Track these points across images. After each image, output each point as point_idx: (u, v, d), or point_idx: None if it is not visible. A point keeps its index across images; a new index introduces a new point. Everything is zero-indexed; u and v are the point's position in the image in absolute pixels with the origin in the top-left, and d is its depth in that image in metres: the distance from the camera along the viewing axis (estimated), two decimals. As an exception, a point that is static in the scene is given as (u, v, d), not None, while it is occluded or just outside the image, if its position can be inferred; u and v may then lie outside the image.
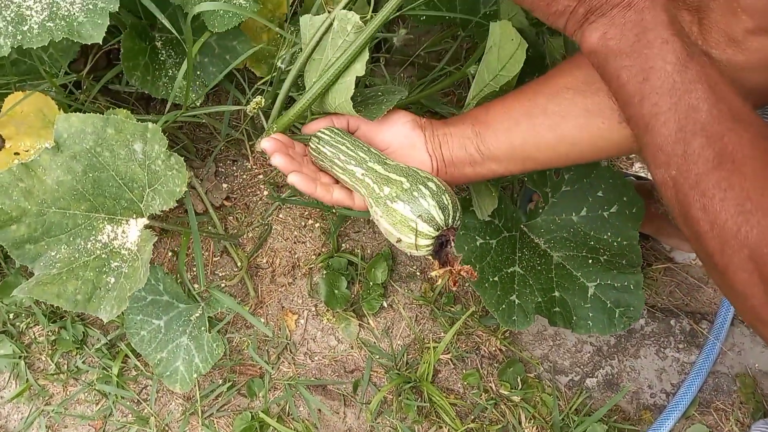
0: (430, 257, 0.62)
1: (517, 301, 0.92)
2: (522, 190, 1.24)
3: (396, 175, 0.65)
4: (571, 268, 0.97)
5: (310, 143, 0.74)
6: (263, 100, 0.83)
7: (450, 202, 0.62)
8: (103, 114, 1.03)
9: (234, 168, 1.28)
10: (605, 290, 0.96)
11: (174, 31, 0.98)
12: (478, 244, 0.92)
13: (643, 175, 1.27)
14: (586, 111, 0.65)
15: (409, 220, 0.61)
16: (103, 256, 0.85)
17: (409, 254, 0.61)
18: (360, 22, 0.70)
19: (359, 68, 0.70)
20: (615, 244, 0.99)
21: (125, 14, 1.05)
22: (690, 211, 0.50)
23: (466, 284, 1.19)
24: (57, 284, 0.80)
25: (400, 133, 0.73)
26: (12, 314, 1.05)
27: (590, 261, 0.97)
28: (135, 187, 0.86)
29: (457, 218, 0.62)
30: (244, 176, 1.28)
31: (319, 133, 0.74)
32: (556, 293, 0.95)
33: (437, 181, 0.64)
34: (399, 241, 0.63)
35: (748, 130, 0.49)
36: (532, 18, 0.95)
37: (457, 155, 0.72)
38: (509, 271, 0.94)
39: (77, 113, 0.83)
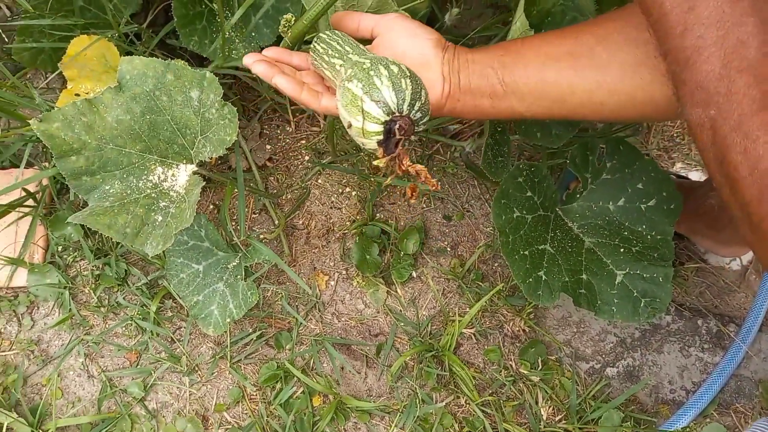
0: (375, 145, 0.54)
1: (544, 277, 0.93)
2: (562, 173, 1.24)
3: (363, 59, 0.59)
4: (602, 255, 0.98)
5: (311, 44, 0.73)
6: (292, 17, 0.83)
7: (409, 87, 0.55)
8: (161, 64, 1.08)
9: (278, 131, 1.32)
10: (633, 279, 0.96)
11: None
12: (514, 216, 0.93)
13: (683, 174, 1.26)
14: (634, 59, 0.60)
15: (358, 99, 0.55)
16: (153, 195, 0.89)
17: (363, 149, 0.55)
18: None
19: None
20: (649, 236, 0.99)
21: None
22: (728, 154, 0.46)
23: (496, 264, 1.20)
24: (109, 216, 0.84)
25: (417, 47, 0.68)
26: (61, 247, 1.11)
27: (622, 250, 0.98)
28: (188, 133, 0.89)
29: (416, 108, 0.55)
30: (287, 140, 1.31)
31: (320, 34, 0.72)
32: (584, 276, 0.96)
33: (403, 67, 0.57)
34: (350, 126, 0.57)
35: None
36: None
37: (477, 83, 0.67)
38: (540, 248, 0.95)
39: (141, 57, 0.87)
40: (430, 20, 1.30)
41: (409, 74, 0.56)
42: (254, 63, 0.69)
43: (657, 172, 1.00)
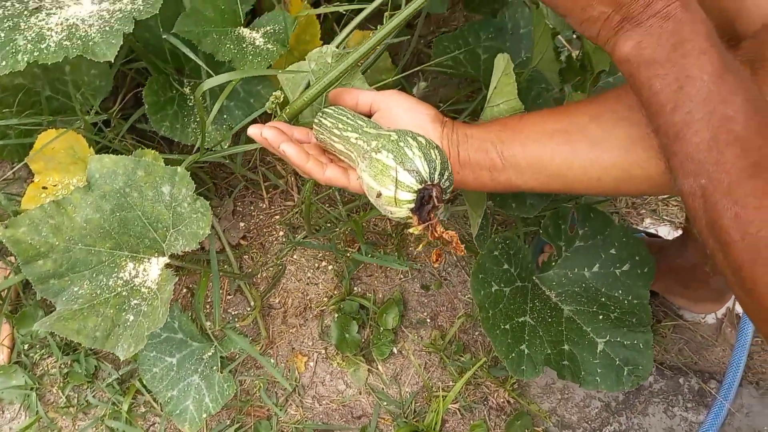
0: (410, 214, 0.56)
1: (526, 351, 0.93)
2: (534, 240, 1.26)
3: (386, 131, 0.61)
4: (582, 323, 0.98)
5: (315, 119, 0.74)
6: (282, 94, 0.84)
7: (439, 158, 0.57)
8: (130, 153, 1.07)
9: (251, 208, 1.31)
10: (614, 347, 0.96)
11: (206, 74, 1.02)
12: (492, 290, 0.93)
13: (653, 231, 1.29)
14: (628, 137, 0.63)
15: (390, 169, 0.56)
16: (124, 293, 0.87)
17: (390, 217, 0.57)
18: (337, 50, 0.77)
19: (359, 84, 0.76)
20: (626, 302, 1.00)
21: (153, 56, 1.09)
22: (720, 220, 0.48)
23: (476, 333, 1.20)
24: (78, 320, 0.82)
25: (416, 122, 0.71)
26: (27, 345, 1.06)
27: (600, 317, 0.98)
28: (159, 227, 0.88)
29: (445, 177, 0.57)
30: (261, 216, 1.31)
31: (324, 109, 0.74)
32: (566, 346, 0.96)
33: (429, 138, 0.59)
34: (379, 195, 0.57)
35: None
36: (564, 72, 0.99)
37: (476, 158, 0.69)
38: (520, 320, 0.95)
39: (110, 155, 0.86)
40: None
41: (435, 145, 0.58)
42: (264, 129, 0.69)
43: (628, 237, 1.01)
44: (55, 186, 1.03)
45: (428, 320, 1.20)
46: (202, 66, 1.00)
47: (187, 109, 1.12)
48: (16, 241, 0.80)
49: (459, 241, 0.56)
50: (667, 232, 1.31)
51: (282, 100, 0.79)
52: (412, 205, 0.55)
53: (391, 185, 0.55)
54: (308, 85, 0.79)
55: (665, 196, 1.36)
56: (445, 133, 0.71)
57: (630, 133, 0.62)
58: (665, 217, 1.35)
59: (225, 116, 1.13)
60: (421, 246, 0.57)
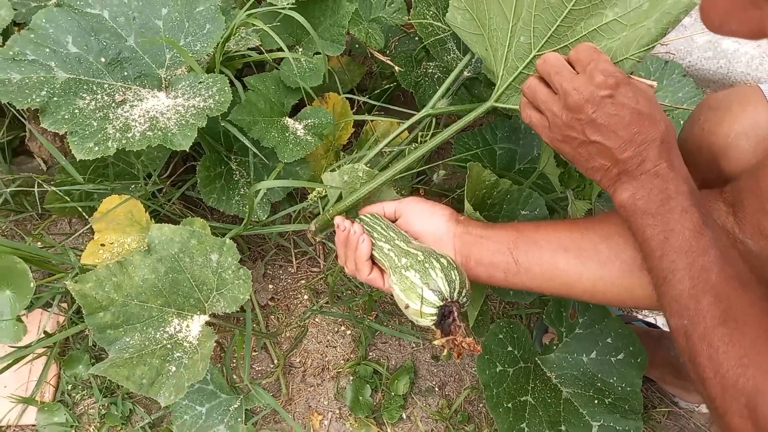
0: (433, 327, 0.66)
1: (526, 429, 1.01)
2: (538, 323, 1.35)
3: (414, 250, 0.73)
4: (578, 405, 1.06)
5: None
6: (321, 191, 0.99)
7: (458, 278, 0.68)
8: (178, 216, 1.20)
9: (280, 272, 1.43)
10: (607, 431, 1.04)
11: (253, 155, 1.16)
12: (497, 370, 1.02)
13: (651, 321, 1.38)
14: (632, 260, 0.70)
15: (416, 287, 0.67)
16: (168, 345, 0.97)
17: (416, 323, 0.70)
18: (368, 169, 0.91)
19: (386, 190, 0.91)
20: (620, 388, 1.08)
21: (207, 137, 1.23)
22: (697, 358, 0.57)
23: (481, 405, 1.28)
24: (128, 367, 0.92)
25: (435, 226, 0.80)
26: (71, 385, 1.17)
27: (596, 401, 1.06)
28: (204, 289, 0.99)
29: (463, 294, 0.67)
30: (289, 280, 1.42)
31: (361, 216, 0.87)
32: (563, 427, 1.04)
33: (450, 259, 0.70)
34: (407, 307, 0.69)
35: (750, 291, 0.58)
36: (564, 179, 1.12)
37: (491, 259, 0.76)
38: (522, 399, 1.04)
39: (169, 225, 0.99)
40: (421, 174, 1.46)
41: (455, 266, 0.69)
42: (354, 225, 0.82)
43: (624, 328, 1.11)
44: (111, 244, 1.15)
45: (436, 389, 1.28)
46: (251, 148, 1.14)
47: (233, 183, 1.25)
48: (83, 295, 0.92)
49: (476, 345, 0.65)
50: (664, 323, 1.39)
51: (323, 195, 0.92)
52: (435, 319, 0.66)
53: (417, 300, 0.67)
54: (340, 196, 0.92)
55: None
56: (458, 233, 0.80)
57: (635, 257, 0.70)
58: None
59: (266, 191, 1.26)
60: (445, 352, 0.66)
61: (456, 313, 0.66)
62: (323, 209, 0.96)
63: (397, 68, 1.26)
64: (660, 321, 1.40)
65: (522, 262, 0.75)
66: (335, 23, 1.23)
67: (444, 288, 0.67)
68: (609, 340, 1.10)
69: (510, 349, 1.06)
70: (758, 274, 0.62)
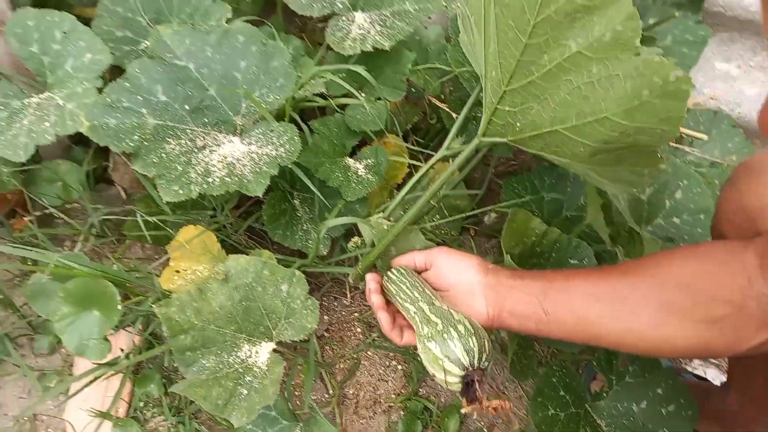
0: (459, 396, 0.70)
1: (576, 473, 1.03)
2: (587, 367, 1.37)
3: (435, 317, 0.74)
4: (628, 454, 1.08)
5: (382, 280, 0.92)
6: (360, 240, 1.06)
7: (476, 345, 0.69)
8: (243, 246, 1.27)
9: (335, 303, 1.49)
10: (658, 482, 1.05)
11: (315, 196, 1.24)
12: (549, 414, 1.06)
13: (701, 374, 1.39)
14: (662, 306, 0.70)
15: (439, 359, 0.69)
16: (240, 370, 1.04)
17: (445, 387, 0.74)
18: (387, 221, 0.99)
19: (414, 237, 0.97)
20: (670, 440, 1.10)
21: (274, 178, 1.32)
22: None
23: (527, 447, 1.30)
24: (205, 388, 0.99)
25: (465, 278, 0.82)
26: (143, 403, 1.25)
27: (646, 451, 1.08)
28: (273, 317, 1.06)
29: (483, 360, 0.69)
30: (343, 312, 1.48)
31: (389, 273, 0.91)
32: (612, 474, 1.06)
33: (467, 324, 0.71)
34: (434, 376, 0.71)
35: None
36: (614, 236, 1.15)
37: (521, 310, 0.78)
38: (572, 444, 1.06)
39: (244, 256, 1.07)
40: (472, 217, 1.52)
41: (473, 331, 0.71)
42: (373, 294, 0.89)
43: (674, 379, 1.12)
44: (185, 271, 1.24)
45: (485, 430, 1.31)
46: (315, 191, 1.22)
47: (296, 219, 1.32)
48: (168, 318, 1.00)
49: (508, 406, 0.67)
50: (715, 376, 1.40)
51: (359, 244, 0.99)
52: (459, 386, 0.69)
53: (441, 371, 0.70)
54: (373, 245, 0.99)
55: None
56: (489, 283, 0.81)
57: (658, 310, 0.71)
58: (713, 361, 1.44)
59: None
60: (476, 415, 0.70)
61: (480, 380, 0.68)
62: (362, 257, 1.03)
63: (454, 115, 1.34)
64: (710, 374, 1.40)
65: (551, 313, 0.76)
66: (397, 71, 1.32)
67: (463, 358, 0.69)
68: (659, 390, 1.12)
69: (562, 393, 1.09)
70: None
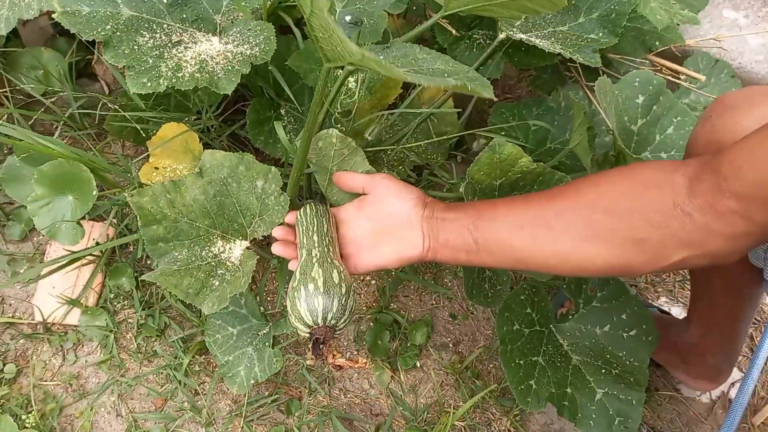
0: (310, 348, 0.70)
1: (534, 386, 1.06)
2: (557, 293, 1.40)
3: (299, 270, 0.75)
4: (586, 372, 1.12)
5: (300, 208, 0.91)
6: None
7: (321, 304, 0.68)
8: (227, 151, 1.25)
9: (315, 217, 1.49)
10: (611, 399, 1.09)
11: (302, 107, 1.21)
12: (514, 328, 1.08)
13: (666, 309, 1.42)
14: (580, 236, 0.71)
15: (288, 314, 0.73)
16: (213, 263, 1.04)
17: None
18: (341, 135, 0.94)
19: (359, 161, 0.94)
20: (627, 362, 1.12)
21: (259, 80, 1.29)
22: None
23: (491, 365, 1.34)
24: (176, 277, 0.99)
25: (404, 209, 0.81)
26: (113, 294, 1.26)
27: (603, 371, 1.11)
28: (248, 214, 1.06)
29: (330, 319, 0.68)
30: (322, 225, 1.48)
31: (305, 207, 0.89)
32: (569, 390, 1.09)
33: (321, 281, 0.70)
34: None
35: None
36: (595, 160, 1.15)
37: (454, 242, 0.78)
38: (533, 359, 1.09)
39: (220, 151, 1.05)
40: (459, 143, 1.50)
41: (323, 290, 0.70)
42: (275, 245, 0.89)
43: (639, 307, 1.15)
44: (165, 168, 1.22)
45: (451, 345, 1.35)
46: (287, 91, 1.19)
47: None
48: (140, 207, 0.99)
49: (352, 364, 0.73)
50: (679, 313, 1.43)
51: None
52: (309, 340, 0.70)
53: (294, 324, 0.72)
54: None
55: (681, 278, 1.49)
56: (425, 216, 0.81)
57: (583, 233, 0.71)
58: (681, 300, 1.48)
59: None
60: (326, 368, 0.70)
61: (324, 338, 0.68)
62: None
63: (454, 32, 1.30)
64: (674, 311, 1.44)
65: (481, 242, 0.77)
66: (399, -19, 1.27)
67: (306, 317, 0.69)
68: (624, 316, 1.15)
69: (529, 311, 1.11)
70: (698, 248, 0.64)
